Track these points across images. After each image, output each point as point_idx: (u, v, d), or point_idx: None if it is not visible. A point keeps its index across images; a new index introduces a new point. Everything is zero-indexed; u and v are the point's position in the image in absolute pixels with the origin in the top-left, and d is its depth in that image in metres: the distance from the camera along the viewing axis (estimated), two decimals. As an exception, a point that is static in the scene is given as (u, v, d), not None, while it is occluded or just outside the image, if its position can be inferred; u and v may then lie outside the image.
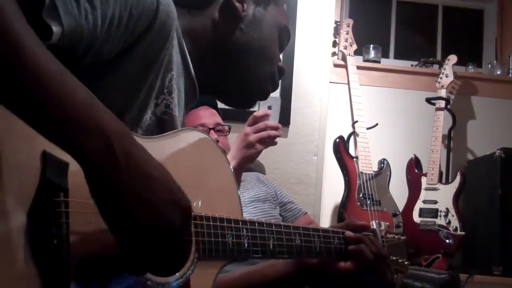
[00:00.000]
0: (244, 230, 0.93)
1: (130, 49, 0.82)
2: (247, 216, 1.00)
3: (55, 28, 0.67)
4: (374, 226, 1.21)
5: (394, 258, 1.21)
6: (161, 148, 0.86)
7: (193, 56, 1.00)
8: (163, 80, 0.92)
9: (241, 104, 1.16)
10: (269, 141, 1.67)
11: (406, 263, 1.21)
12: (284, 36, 1.13)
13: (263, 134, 1.64)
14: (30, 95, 0.59)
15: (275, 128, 1.66)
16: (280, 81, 1.18)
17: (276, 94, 2.62)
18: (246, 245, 0.93)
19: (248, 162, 1.69)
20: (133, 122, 0.86)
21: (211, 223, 0.87)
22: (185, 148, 0.91)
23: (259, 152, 1.66)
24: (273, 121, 1.66)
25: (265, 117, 1.65)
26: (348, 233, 1.16)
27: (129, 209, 0.65)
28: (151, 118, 0.91)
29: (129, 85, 0.84)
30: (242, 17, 1.04)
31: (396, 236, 1.22)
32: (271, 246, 0.98)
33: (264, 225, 0.98)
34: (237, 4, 1.03)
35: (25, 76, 0.58)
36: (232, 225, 0.91)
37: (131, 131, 0.76)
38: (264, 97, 1.13)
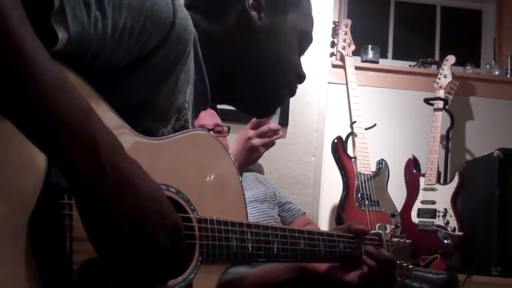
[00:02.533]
0: (248, 233, 0.92)
1: (144, 60, 0.80)
2: (245, 216, 1.00)
3: (61, 35, 0.66)
4: (379, 230, 1.20)
5: (398, 262, 1.20)
6: (166, 149, 0.86)
7: (208, 65, 0.98)
8: (184, 95, 0.90)
9: (259, 114, 1.14)
10: (270, 144, 1.67)
11: (410, 267, 1.21)
12: (305, 41, 1.09)
13: (267, 139, 1.64)
14: (25, 96, 0.58)
15: (277, 131, 1.66)
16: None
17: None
18: (250, 248, 0.92)
19: (248, 165, 1.69)
20: (145, 133, 0.83)
21: (215, 226, 0.87)
22: (190, 149, 0.90)
23: (261, 155, 1.67)
24: (274, 123, 1.66)
25: (268, 119, 1.65)
26: (370, 248, 1.16)
27: (113, 222, 0.62)
28: (169, 132, 0.89)
29: (142, 95, 0.82)
30: (258, 27, 1.00)
31: (401, 240, 1.22)
32: (275, 250, 0.98)
33: (269, 229, 0.97)
34: (253, 13, 1.00)
35: (21, 78, 0.57)
36: (237, 228, 0.90)
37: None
38: (282, 104, 1.11)
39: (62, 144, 0.60)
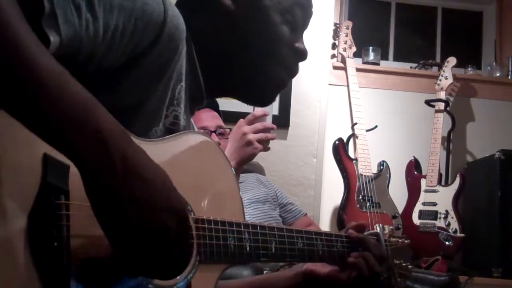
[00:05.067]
0: (246, 233, 0.93)
1: (136, 61, 0.80)
2: (247, 217, 1.00)
3: (53, 38, 0.66)
4: (378, 230, 1.20)
5: (397, 261, 1.20)
6: (162, 151, 0.85)
7: (200, 60, 0.97)
8: (173, 92, 0.90)
9: (258, 102, 1.12)
10: (264, 144, 1.67)
11: (409, 266, 1.21)
12: (297, 12, 1.02)
13: (261, 135, 1.65)
14: (29, 94, 0.58)
15: (271, 128, 1.67)
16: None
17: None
18: (248, 248, 0.92)
19: (246, 162, 1.69)
20: (140, 132, 0.83)
21: (213, 226, 0.87)
22: (186, 151, 0.91)
23: (257, 152, 1.67)
24: (268, 121, 1.67)
25: (263, 117, 1.66)
26: (351, 231, 1.14)
27: (124, 212, 0.64)
28: (161, 130, 0.90)
29: (137, 96, 0.83)
30: (234, 12, 0.98)
31: (400, 240, 1.22)
32: (273, 250, 0.98)
33: (266, 229, 0.97)
34: (227, 2, 0.98)
35: (24, 76, 0.58)
36: (234, 228, 0.90)
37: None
38: (282, 88, 1.06)
39: (70, 137, 0.60)
